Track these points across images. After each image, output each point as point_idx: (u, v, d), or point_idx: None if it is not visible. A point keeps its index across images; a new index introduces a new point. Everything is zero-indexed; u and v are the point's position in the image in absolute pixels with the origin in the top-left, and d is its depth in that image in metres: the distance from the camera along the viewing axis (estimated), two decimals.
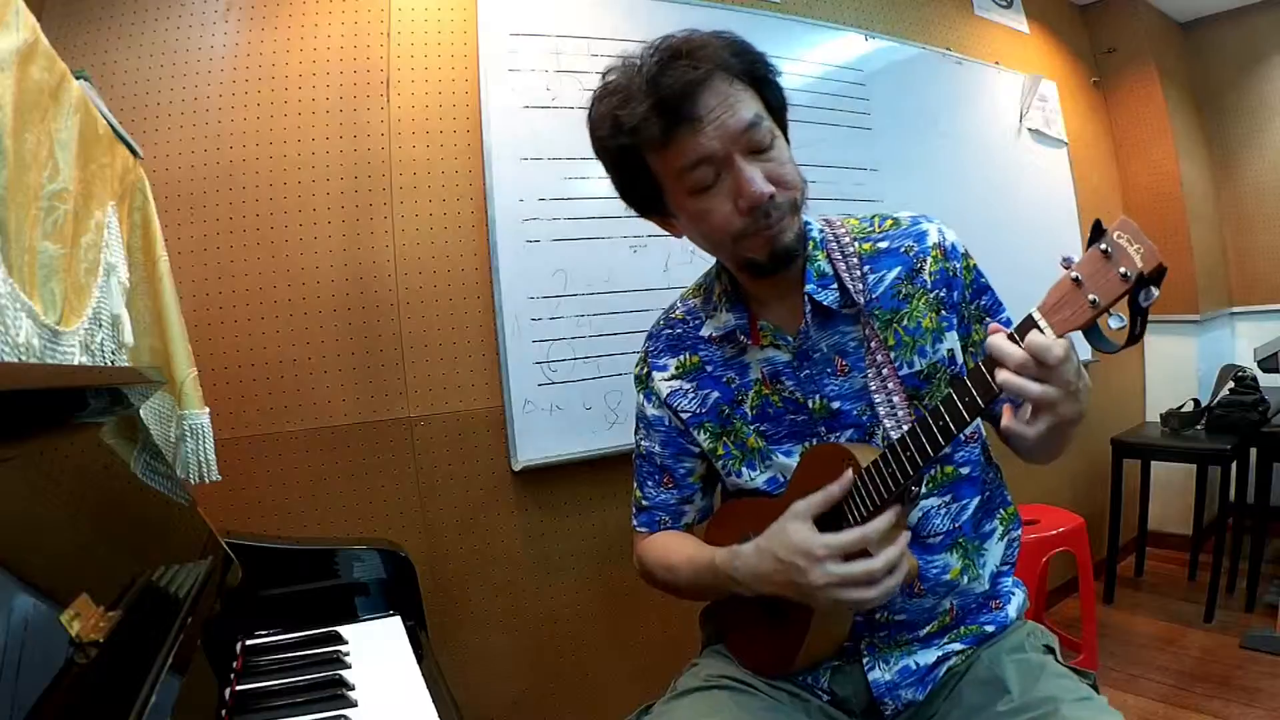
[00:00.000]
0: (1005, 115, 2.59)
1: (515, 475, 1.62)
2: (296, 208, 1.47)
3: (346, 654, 0.94)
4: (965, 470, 0.92)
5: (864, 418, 0.89)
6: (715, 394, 0.97)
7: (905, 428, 0.77)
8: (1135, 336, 0.62)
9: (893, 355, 0.88)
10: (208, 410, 1.15)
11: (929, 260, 0.89)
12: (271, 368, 1.44)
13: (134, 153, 1.07)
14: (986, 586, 0.94)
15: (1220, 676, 2.09)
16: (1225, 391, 2.64)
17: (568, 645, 1.70)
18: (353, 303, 1.51)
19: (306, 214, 1.48)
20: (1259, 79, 3.13)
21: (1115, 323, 0.62)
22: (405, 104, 1.57)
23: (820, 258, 0.89)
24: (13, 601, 0.46)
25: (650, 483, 1.05)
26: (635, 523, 1.08)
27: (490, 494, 1.61)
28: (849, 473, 0.79)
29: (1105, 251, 0.60)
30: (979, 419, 0.77)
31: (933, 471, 0.90)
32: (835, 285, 0.89)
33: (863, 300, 0.88)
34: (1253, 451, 2.58)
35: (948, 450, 0.75)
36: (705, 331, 0.97)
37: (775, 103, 0.86)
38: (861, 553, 0.77)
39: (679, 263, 1.75)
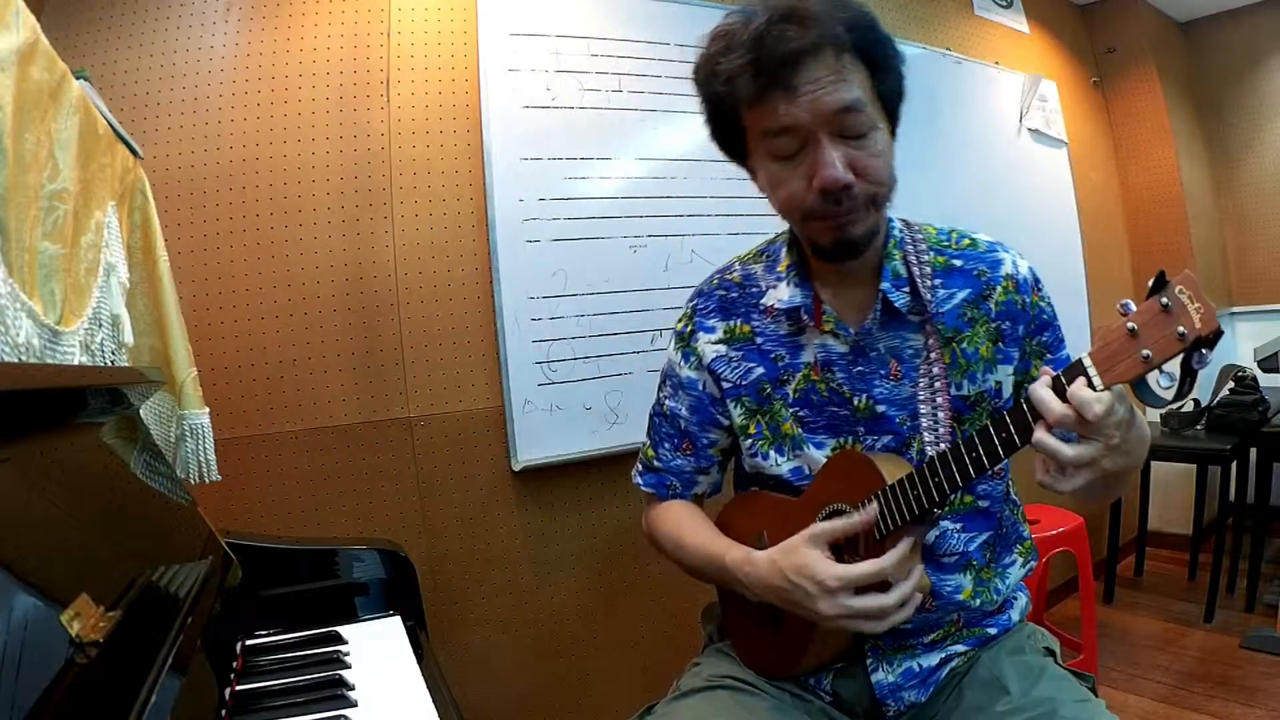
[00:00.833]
0: (1005, 115, 2.59)
1: (515, 475, 1.62)
2: (296, 208, 1.47)
3: (346, 654, 0.93)
4: (984, 504, 0.91)
5: (905, 427, 0.88)
6: (760, 370, 0.93)
7: (943, 446, 0.76)
8: (1181, 396, 0.62)
9: (946, 373, 0.87)
10: (208, 410, 1.15)
11: (998, 289, 0.88)
12: (271, 368, 1.44)
13: (134, 153, 1.07)
14: (997, 607, 0.94)
15: (1220, 676, 2.09)
16: (1225, 391, 2.65)
17: (568, 645, 1.70)
18: (353, 303, 1.51)
19: (306, 214, 1.48)
20: (1259, 79, 3.13)
21: (1165, 380, 0.61)
22: (405, 104, 1.57)
23: (897, 258, 0.87)
24: (13, 601, 0.46)
25: (668, 445, 1.02)
26: (640, 480, 1.05)
27: (490, 494, 1.61)
28: (873, 505, 0.78)
29: (1165, 306, 0.59)
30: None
31: (954, 497, 0.88)
32: (908, 289, 0.87)
33: (930, 310, 0.87)
34: (1253, 451, 2.58)
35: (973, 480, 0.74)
36: (768, 300, 0.92)
37: (888, 90, 0.81)
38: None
39: (679, 263, 1.75)
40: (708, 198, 1.79)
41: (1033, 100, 2.64)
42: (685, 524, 0.99)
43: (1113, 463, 0.65)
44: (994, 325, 0.88)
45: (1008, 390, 0.89)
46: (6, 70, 0.70)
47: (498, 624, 1.62)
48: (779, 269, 0.93)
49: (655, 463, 1.04)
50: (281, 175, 1.46)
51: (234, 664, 0.87)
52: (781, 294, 0.91)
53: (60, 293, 0.81)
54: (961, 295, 0.88)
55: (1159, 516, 2.95)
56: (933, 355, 0.86)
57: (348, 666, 0.90)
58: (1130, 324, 0.61)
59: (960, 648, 0.91)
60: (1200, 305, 0.58)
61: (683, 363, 0.99)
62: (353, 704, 0.80)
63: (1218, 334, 0.58)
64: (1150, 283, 0.61)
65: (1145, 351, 0.60)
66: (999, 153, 2.54)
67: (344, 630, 1.02)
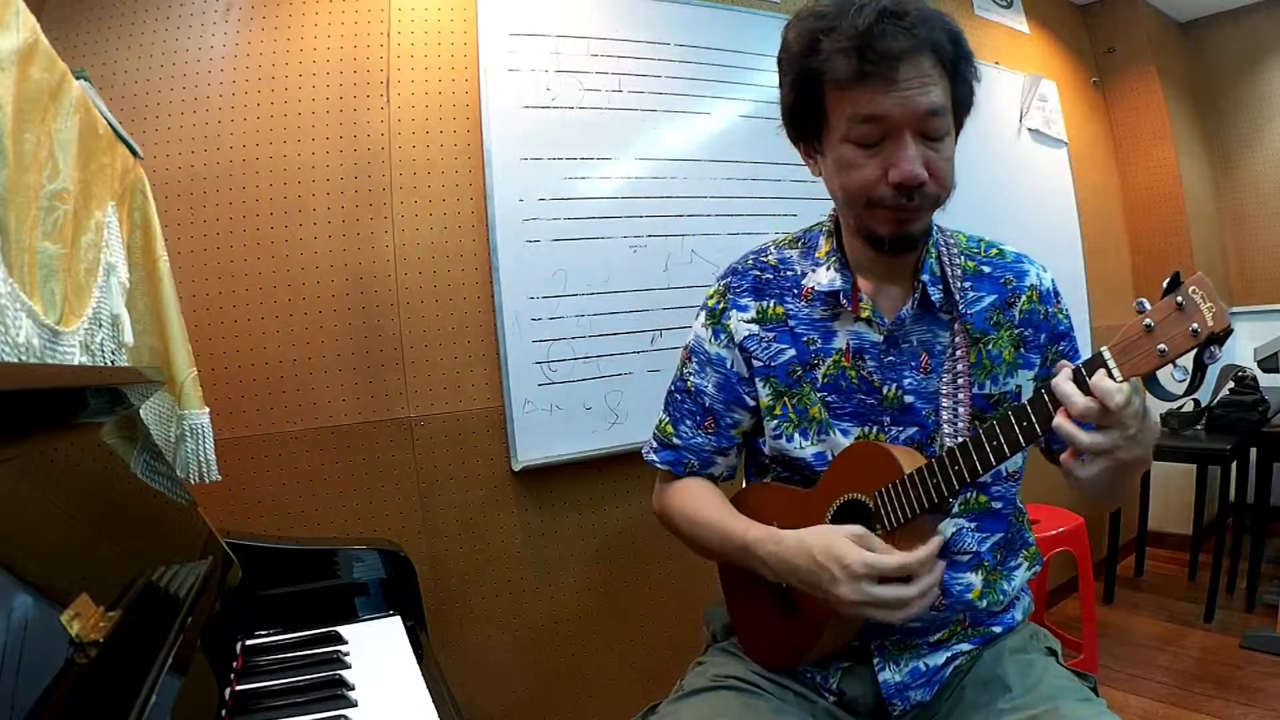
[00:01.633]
0: (1005, 115, 2.60)
1: (515, 475, 1.62)
2: (296, 208, 1.47)
3: (346, 654, 0.93)
4: (997, 505, 0.93)
5: (929, 420, 0.90)
6: (791, 352, 0.94)
7: (961, 440, 0.78)
8: (1192, 390, 0.67)
9: (970, 371, 0.89)
10: (208, 410, 1.15)
11: (1023, 298, 0.92)
12: (271, 368, 1.44)
13: (134, 153, 1.07)
14: (1002, 607, 0.95)
15: (1220, 676, 2.09)
16: (1225, 391, 2.65)
17: (568, 645, 1.70)
18: (353, 303, 1.51)
19: (306, 214, 1.48)
20: (1259, 79, 3.13)
21: (1178, 374, 0.66)
22: (405, 104, 1.57)
23: (934, 256, 0.91)
24: (13, 601, 0.46)
25: (688, 422, 1.01)
26: (656, 456, 1.03)
27: (490, 494, 1.61)
28: (935, 540, 0.77)
29: (1180, 304, 0.63)
30: (1030, 451, 0.79)
31: (969, 495, 0.91)
32: (941, 286, 0.90)
33: (961, 310, 0.90)
34: (1253, 451, 2.58)
35: (987, 479, 0.75)
36: (808, 282, 0.94)
37: (961, 102, 0.85)
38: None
39: (679, 263, 1.75)
40: (708, 198, 1.79)
41: (1033, 100, 2.65)
42: (700, 501, 0.98)
43: (1128, 452, 0.69)
44: (1017, 331, 0.91)
45: (1027, 395, 0.90)
46: (6, 70, 0.70)
47: (497, 624, 1.62)
48: (817, 255, 0.95)
49: (674, 439, 1.02)
50: (281, 175, 1.46)
51: (234, 664, 0.87)
52: (821, 277, 0.93)
53: (60, 293, 0.81)
54: (989, 300, 0.91)
55: (1159, 516, 2.95)
56: (959, 353, 0.89)
57: (348, 666, 0.90)
58: (1147, 320, 0.65)
59: (965, 646, 0.92)
60: (1213, 305, 0.62)
61: (713, 339, 0.98)
62: (353, 704, 0.80)
63: (1229, 332, 0.62)
64: (1165, 282, 0.65)
65: (1161, 346, 0.64)
66: (999, 153, 2.54)
67: (344, 630, 1.02)
